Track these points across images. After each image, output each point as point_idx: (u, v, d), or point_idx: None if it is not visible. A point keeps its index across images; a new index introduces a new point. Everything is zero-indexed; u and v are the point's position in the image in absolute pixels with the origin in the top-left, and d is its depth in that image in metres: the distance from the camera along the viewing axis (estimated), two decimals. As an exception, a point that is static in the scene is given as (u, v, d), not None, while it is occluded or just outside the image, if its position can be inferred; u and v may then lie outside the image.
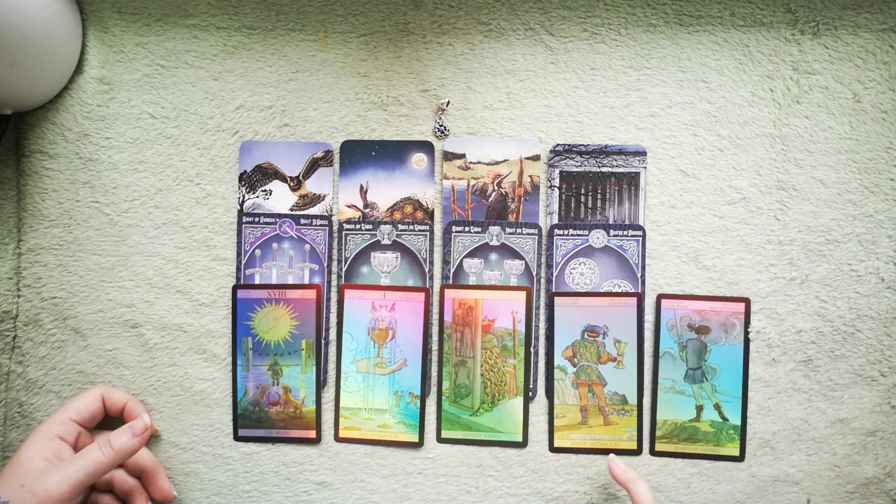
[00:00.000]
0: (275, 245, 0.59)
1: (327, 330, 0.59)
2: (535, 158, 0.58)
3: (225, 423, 0.59)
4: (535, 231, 0.58)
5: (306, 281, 0.59)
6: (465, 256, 0.58)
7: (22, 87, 0.54)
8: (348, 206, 0.59)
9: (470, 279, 0.58)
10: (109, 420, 0.57)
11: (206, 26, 0.59)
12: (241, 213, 0.59)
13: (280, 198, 0.59)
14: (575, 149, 0.58)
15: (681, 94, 0.58)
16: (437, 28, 0.58)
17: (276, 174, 0.59)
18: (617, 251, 0.58)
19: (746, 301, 0.57)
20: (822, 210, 0.57)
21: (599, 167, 0.58)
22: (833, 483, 0.57)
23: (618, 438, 0.57)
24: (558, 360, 0.58)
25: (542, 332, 0.58)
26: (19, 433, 0.59)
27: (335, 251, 0.59)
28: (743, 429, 0.57)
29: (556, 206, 0.58)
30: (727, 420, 0.57)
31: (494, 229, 0.58)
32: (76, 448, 0.52)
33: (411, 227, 0.58)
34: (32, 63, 0.52)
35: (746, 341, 0.57)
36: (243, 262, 0.59)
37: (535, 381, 0.58)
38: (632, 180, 0.58)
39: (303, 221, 0.59)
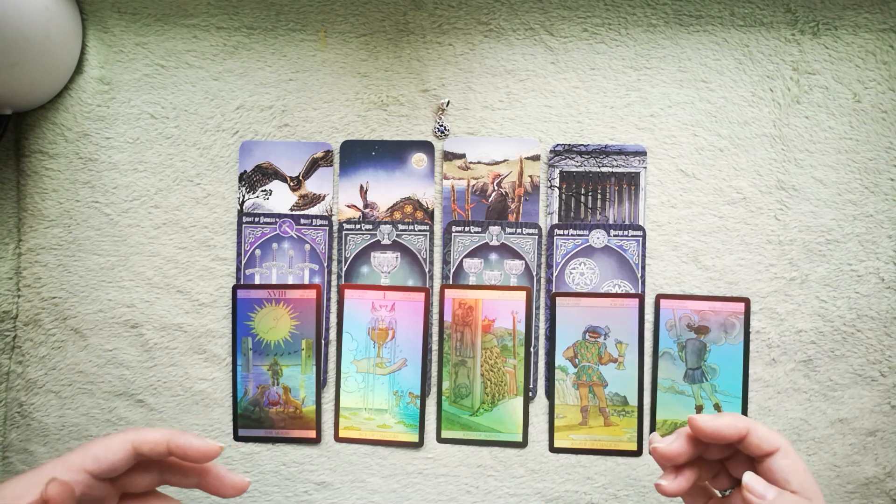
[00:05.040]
0: (275, 245, 0.59)
1: (327, 330, 0.59)
2: (535, 158, 0.58)
3: (225, 423, 0.59)
4: (535, 231, 0.58)
5: (306, 281, 0.59)
6: (465, 256, 0.58)
7: (22, 87, 0.54)
8: (348, 206, 0.59)
9: (470, 279, 0.58)
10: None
11: (206, 26, 0.59)
12: (241, 213, 0.59)
13: (280, 198, 0.59)
14: (575, 149, 0.58)
15: (681, 94, 0.58)
16: (437, 28, 0.58)
17: (276, 174, 0.59)
18: (617, 251, 0.58)
19: (746, 301, 0.57)
20: (822, 210, 0.57)
21: (599, 167, 0.58)
22: (833, 483, 0.57)
23: (618, 439, 0.57)
24: (559, 360, 0.58)
25: (542, 332, 0.58)
26: (19, 433, 0.59)
27: (335, 251, 0.59)
28: (743, 429, 0.57)
29: (556, 206, 0.58)
30: (727, 420, 0.57)
31: (494, 229, 0.58)
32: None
33: (411, 227, 0.58)
34: (32, 63, 0.52)
35: (746, 341, 0.57)
36: (243, 262, 0.59)
37: (536, 381, 0.58)
38: (632, 180, 0.58)
39: (303, 221, 0.59)
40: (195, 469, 0.40)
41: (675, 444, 0.37)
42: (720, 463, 0.38)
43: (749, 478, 0.35)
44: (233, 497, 0.41)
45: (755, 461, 0.36)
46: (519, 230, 0.58)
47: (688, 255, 0.57)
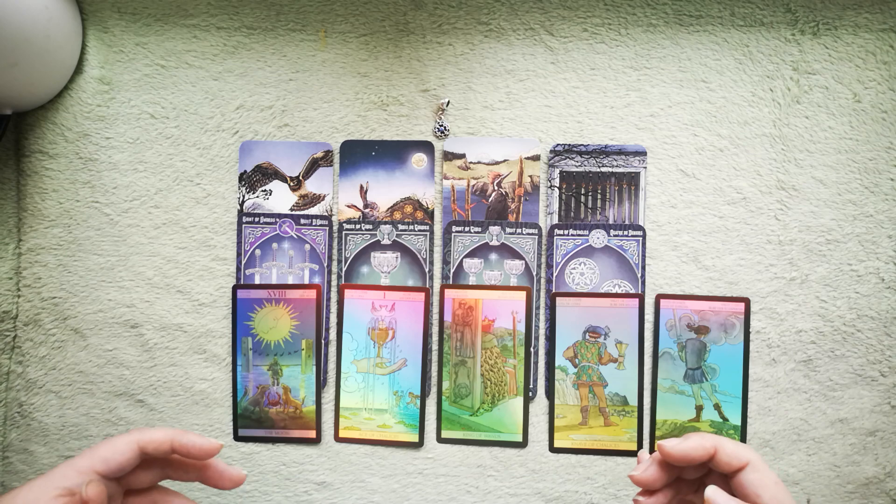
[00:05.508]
0: (275, 245, 0.59)
1: (327, 330, 0.59)
2: (535, 158, 0.58)
3: (225, 423, 0.59)
4: (535, 231, 0.58)
5: (306, 281, 0.59)
6: (465, 256, 0.58)
7: (22, 87, 0.54)
8: (348, 206, 0.59)
9: (470, 279, 0.58)
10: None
11: (206, 26, 0.59)
12: (241, 213, 0.59)
13: (280, 198, 0.59)
14: (575, 149, 0.58)
15: (681, 94, 0.58)
16: (437, 28, 0.58)
17: (276, 174, 0.59)
18: (617, 251, 0.58)
19: (746, 301, 0.57)
20: (822, 210, 0.57)
21: (599, 167, 0.58)
22: (833, 483, 0.57)
23: (618, 440, 0.57)
24: (559, 360, 0.58)
25: (542, 332, 0.58)
26: (19, 433, 0.59)
27: (335, 251, 0.59)
28: (743, 429, 0.57)
29: (556, 206, 0.58)
30: (727, 420, 0.57)
31: (494, 229, 0.58)
32: None
33: (411, 227, 0.58)
34: (32, 63, 0.52)
35: (746, 341, 0.57)
36: (243, 262, 0.59)
37: (536, 381, 0.58)
38: (632, 180, 0.58)
39: (303, 221, 0.59)
40: (196, 465, 0.42)
41: (648, 472, 0.38)
42: (699, 478, 0.40)
43: (711, 492, 0.36)
44: (231, 489, 0.44)
45: (728, 477, 0.37)
46: (519, 230, 0.58)
47: (688, 255, 0.57)
